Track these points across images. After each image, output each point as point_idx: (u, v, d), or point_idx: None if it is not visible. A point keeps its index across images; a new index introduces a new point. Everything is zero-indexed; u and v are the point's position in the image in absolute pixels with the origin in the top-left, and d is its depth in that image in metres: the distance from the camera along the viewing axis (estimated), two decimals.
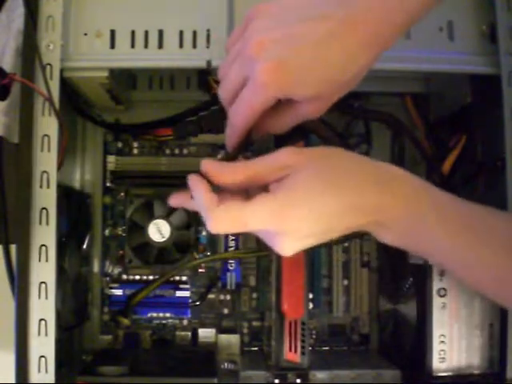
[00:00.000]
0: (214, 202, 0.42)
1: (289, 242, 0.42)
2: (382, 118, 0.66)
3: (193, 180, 0.44)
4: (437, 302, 0.55)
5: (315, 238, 0.43)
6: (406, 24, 0.42)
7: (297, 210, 0.41)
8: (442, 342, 0.56)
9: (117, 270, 0.69)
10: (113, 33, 0.53)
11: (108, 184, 0.69)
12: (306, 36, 0.40)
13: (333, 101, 0.44)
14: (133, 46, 0.54)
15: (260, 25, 0.42)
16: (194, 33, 0.54)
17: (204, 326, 0.70)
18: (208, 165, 0.44)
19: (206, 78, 0.61)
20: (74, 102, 0.62)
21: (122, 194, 0.69)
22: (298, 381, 0.59)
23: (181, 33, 0.54)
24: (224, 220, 0.42)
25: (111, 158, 0.68)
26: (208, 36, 0.53)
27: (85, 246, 0.66)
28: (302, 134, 0.60)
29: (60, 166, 0.51)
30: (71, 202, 0.60)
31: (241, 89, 0.43)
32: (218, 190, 0.44)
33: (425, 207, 0.43)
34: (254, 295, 0.70)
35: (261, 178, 0.43)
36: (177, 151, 0.70)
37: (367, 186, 0.43)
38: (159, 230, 0.65)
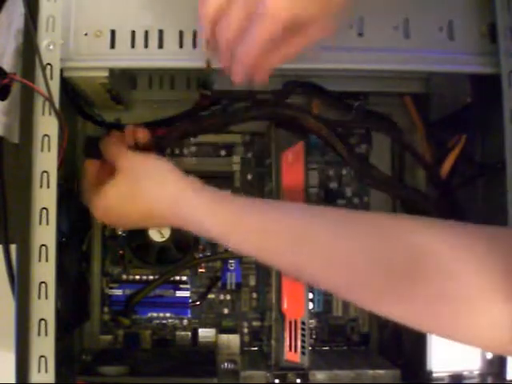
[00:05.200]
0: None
1: None
2: (378, 126, 0.66)
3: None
4: None
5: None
6: None
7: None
8: (442, 341, 0.55)
9: (117, 270, 0.69)
10: (113, 33, 0.53)
11: None
12: None
13: (333, 19, 0.45)
14: (133, 45, 0.54)
15: None
16: (194, 33, 0.54)
17: (204, 325, 0.70)
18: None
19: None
20: (74, 102, 0.62)
21: None
22: (298, 381, 0.59)
23: (181, 33, 0.54)
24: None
25: None
26: None
27: (85, 246, 0.66)
28: (302, 134, 0.60)
29: (60, 165, 0.51)
30: (71, 201, 0.60)
31: (246, 25, 0.44)
32: None
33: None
34: (254, 295, 0.70)
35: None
36: (177, 151, 0.70)
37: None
38: (159, 230, 0.65)
